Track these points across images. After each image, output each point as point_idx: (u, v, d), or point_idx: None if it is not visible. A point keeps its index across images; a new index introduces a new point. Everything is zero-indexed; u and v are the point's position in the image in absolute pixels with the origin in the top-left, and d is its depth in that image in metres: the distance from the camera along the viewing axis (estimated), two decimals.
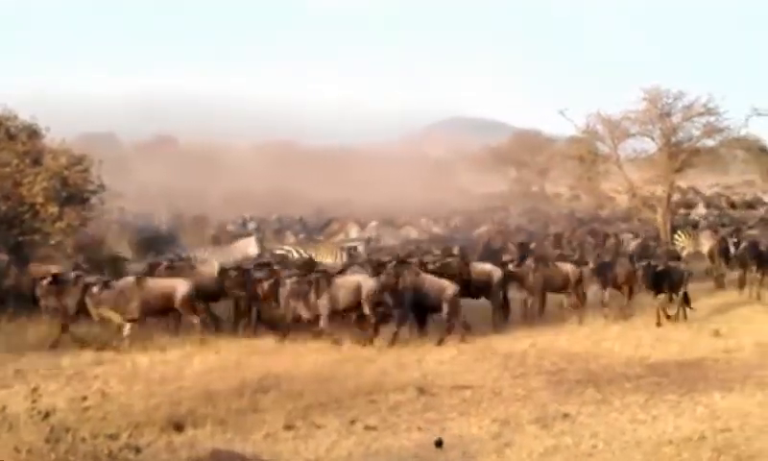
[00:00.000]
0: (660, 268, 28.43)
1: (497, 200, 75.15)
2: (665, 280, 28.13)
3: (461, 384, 20.12)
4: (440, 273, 27.04)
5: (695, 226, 44.24)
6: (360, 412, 17.88)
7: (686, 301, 28.44)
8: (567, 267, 28.57)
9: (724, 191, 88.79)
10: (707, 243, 36.40)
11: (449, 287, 25.74)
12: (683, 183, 61.04)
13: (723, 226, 44.77)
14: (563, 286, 28.52)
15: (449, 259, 28.87)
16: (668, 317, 27.61)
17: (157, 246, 39.10)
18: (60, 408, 14.74)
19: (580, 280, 28.46)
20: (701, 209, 61.18)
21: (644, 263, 28.84)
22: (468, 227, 48.77)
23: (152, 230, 43.71)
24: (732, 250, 33.47)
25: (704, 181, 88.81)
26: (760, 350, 23.59)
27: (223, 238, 41.69)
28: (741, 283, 32.31)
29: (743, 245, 32.21)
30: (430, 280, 26.29)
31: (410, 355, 23.20)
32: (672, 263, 30.51)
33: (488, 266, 28.01)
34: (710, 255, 35.24)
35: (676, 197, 49.81)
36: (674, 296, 28.49)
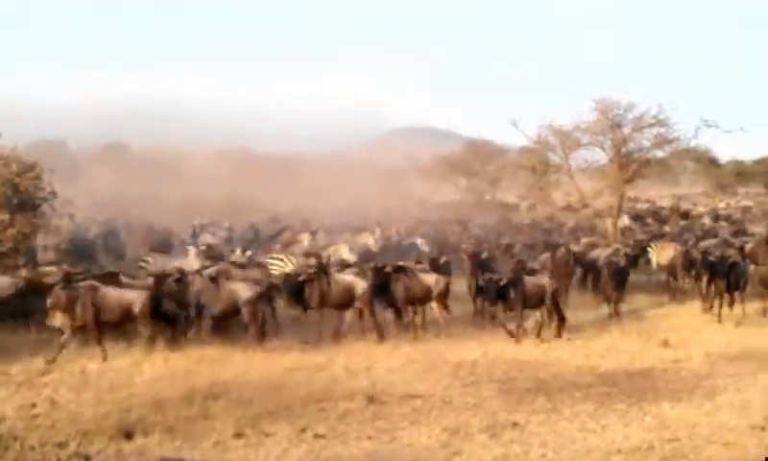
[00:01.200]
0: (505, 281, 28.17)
1: (450, 209, 75.04)
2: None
3: (411, 393, 20.10)
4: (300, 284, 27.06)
5: (661, 236, 44.49)
6: (310, 420, 17.85)
7: (557, 315, 28.02)
8: (430, 279, 28.24)
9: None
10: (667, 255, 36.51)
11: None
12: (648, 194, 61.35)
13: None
14: (424, 298, 28.18)
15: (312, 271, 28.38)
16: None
17: (88, 255, 38.82)
18: (9, 416, 14.70)
19: (445, 292, 28.19)
20: (625, 220, 61.46)
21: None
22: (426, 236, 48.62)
23: (81, 240, 43.16)
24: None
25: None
26: (709, 360, 23.77)
27: (172, 246, 41.43)
28: (702, 295, 32.35)
29: (708, 257, 32.23)
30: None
31: (360, 363, 23.15)
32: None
33: (348, 278, 27.73)
34: (671, 267, 35.35)
35: (644, 206, 50.11)
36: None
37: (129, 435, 16.20)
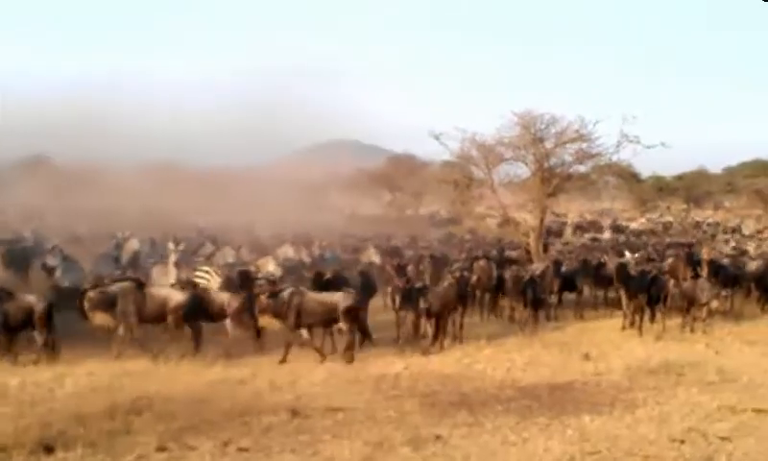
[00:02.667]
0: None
1: (374, 223, 74.97)
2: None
3: (334, 406, 20.08)
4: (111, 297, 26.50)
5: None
6: (233, 434, 17.77)
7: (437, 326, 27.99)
8: (224, 296, 27.99)
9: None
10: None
11: None
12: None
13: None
14: (219, 314, 27.87)
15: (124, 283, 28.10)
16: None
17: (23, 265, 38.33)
18: None
19: (240, 309, 27.47)
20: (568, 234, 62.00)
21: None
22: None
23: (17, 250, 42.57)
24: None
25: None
26: (629, 373, 23.98)
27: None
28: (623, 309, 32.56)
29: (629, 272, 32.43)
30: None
31: (284, 377, 23.12)
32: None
33: (164, 291, 27.49)
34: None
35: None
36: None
37: (49, 449, 16.05)
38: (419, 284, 28.96)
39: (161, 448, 16.56)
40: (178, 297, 26.58)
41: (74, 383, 21.77)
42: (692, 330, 30.25)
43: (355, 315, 26.25)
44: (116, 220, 58.17)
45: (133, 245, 43.50)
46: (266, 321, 26.65)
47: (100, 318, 26.44)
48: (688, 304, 30.80)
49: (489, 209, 51.10)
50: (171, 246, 33.90)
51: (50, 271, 34.11)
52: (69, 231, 50.99)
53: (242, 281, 29.81)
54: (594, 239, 61.57)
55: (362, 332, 26.64)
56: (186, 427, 18.07)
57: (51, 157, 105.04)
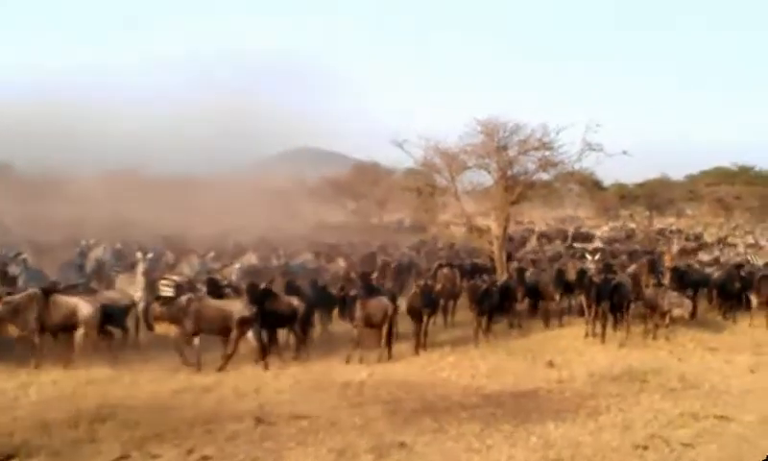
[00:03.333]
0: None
1: (344, 231, 74.81)
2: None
3: (298, 414, 20.09)
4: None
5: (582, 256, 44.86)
6: (197, 442, 17.75)
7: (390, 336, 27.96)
8: (237, 306, 27.77)
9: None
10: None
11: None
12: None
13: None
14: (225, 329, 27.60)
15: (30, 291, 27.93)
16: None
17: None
18: None
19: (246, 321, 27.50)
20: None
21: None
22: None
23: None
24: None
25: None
26: (593, 380, 24.09)
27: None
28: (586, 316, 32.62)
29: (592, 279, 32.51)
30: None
31: (248, 385, 23.10)
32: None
33: (73, 300, 27.16)
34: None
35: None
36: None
37: (11, 459, 15.95)
38: (352, 293, 28.92)
39: (125, 457, 16.57)
40: (87, 307, 26.19)
41: (38, 392, 21.69)
42: (655, 337, 30.38)
43: (248, 326, 26.04)
44: (81, 228, 57.75)
45: (98, 253, 43.22)
46: (163, 327, 26.68)
47: (4, 327, 26.48)
48: (652, 312, 30.93)
49: (455, 217, 51.10)
50: (139, 255, 33.67)
51: (12, 279, 33.78)
52: (32, 240, 50.64)
53: (210, 289, 29.67)
54: (570, 247, 61.77)
55: (256, 340, 26.40)
56: (150, 435, 18.04)
57: (12, 165, 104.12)
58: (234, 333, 25.84)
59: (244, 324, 25.91)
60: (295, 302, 27.72)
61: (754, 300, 33.54)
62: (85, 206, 75.83)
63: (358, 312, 27.38)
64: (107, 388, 22.16)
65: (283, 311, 27.49)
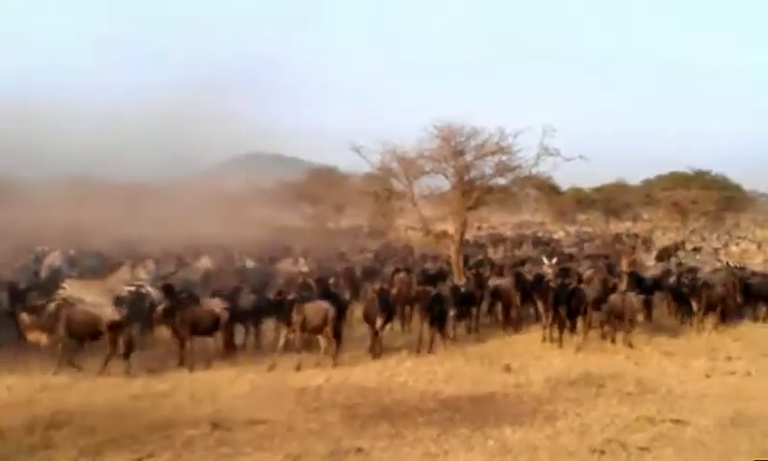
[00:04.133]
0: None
1: (296, 235, 74.59)
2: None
3: (255, 419, 20.06)
4: None
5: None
6: (154, 448, 17.70)
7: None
8: (107, 311, 27.60)
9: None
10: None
11: None
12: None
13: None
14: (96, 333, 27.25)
15: None
16: None
17: None
18: None
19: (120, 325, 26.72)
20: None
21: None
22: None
23: None
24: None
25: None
26: (549, 385, 24.12)
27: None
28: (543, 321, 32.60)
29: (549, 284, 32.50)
30: None
31: (204, 390, 23.03)
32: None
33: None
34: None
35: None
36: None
37: None
38: (291, 296, 28.83)
39: None
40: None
41: None
42: (613, 341, 30.47)
43: (119, 330, 25.75)
44: (34, 235, 57.30)
45: (52, 259, 42.90)
46: (34, 336, 26.42)
47: None
48: (618, 318, 30.94)
49: (413, 222, 51.09)
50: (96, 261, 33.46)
51: None
52: None
53: (166, 294, 29.52)
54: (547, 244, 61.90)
55: (125, 345, 26.10)
56: (107, 441, 17.98)
57: None
58: (107, 337, 25.65)
59: (113, 328, 25.66)
60: (217, 308, 27.54)
61: (695, 305, 33.60)
62: (37, 212, 75.17)
63: (295, 317, 27.29)
64: (63, 394, 22.08)
65: (202, 317, 27.43)
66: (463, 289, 32.94)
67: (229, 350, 27.95)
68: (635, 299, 31.12)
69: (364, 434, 18.94)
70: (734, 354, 28.71)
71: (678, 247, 62.79)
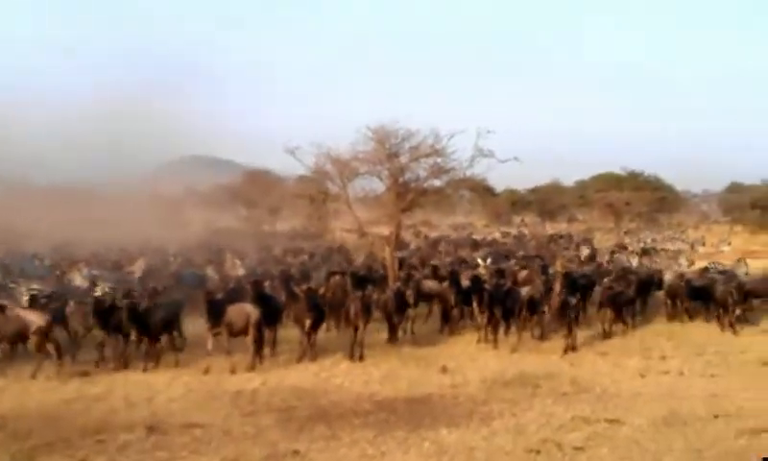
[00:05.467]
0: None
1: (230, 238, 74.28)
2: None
3: (191, 422, 20.04)
4: None
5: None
6: (88, 452, 17.61)
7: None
8: (32, 316, 27.49)
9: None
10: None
11: None
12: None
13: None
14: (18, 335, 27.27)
15: None
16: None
17: None
18: None
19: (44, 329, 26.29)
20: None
21: None
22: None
23: None
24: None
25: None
26: (485, 386, 24.19)
27: None
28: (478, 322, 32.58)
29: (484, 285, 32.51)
30: None
31: (140, 394, 22.96)
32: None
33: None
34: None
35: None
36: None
37: None
38: (217, 298, 28.79)
39: None
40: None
41: None
42: (543, 338, 30.65)
43: (45, 335, 25.77)
44: None
45: None
46: None
47: None
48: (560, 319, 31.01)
49: (349, 224, 50.98)
50: (37, 263, 33.22)
51: None
52: None
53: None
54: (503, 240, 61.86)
55: (55, 349, 26.01)
56: (40, 446, 17.89)
57: None
58: (35, 341, 25.67)
59: (40, 333, 25.60)
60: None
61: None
62: None
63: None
64: None
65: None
66: (400, 291, 32.82)
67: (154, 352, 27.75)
68: (572, 300, 31.13)
69: (300, 437, 18.94)
70: (668, 354, 28.96)
71: (621, 247, 63.08)
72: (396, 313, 31.41)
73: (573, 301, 30.35)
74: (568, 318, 29.89)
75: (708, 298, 34.67)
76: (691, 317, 35.28)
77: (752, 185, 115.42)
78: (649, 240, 75.08)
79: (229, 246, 57.13)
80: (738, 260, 45.03)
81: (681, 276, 37.42)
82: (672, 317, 35.37)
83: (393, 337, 30.98)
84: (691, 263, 49.52)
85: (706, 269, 42.15)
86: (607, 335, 31.82)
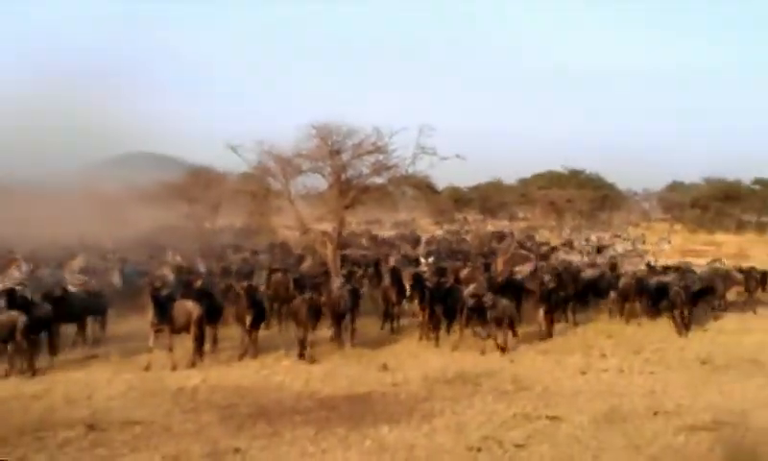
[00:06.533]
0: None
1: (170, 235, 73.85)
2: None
3: (131, 420, 19.98)
4: None
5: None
6: (27, 450, 17.50)
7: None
8: None
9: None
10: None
11: None
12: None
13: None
14: None
15: None
16: None
17: None
18: None
19: None
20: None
21: None
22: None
23: None
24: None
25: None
26: (426, 383, 24.24)
27: None
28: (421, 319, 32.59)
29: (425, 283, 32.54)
30: None
31: (80, 392, 22.82)
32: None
33: None
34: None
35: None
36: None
37: None
38: (156, 295, 28.75)
39: None
40: None
41: None
42: (488, 336, 30.77)
43: None
44: None
45: None
46: None
47: None
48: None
49: (292, 221, 50.89)
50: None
51: None
52: None
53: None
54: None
55: None
56: None
57: None
58: None
59: None
60: (13, 314, 27.05)
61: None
62: None
63: (160, 316, 27.05)
64: None
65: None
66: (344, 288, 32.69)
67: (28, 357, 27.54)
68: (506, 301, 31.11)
69: (241, 434, 18.92)
70: (608, 352, 29.17)
71: (566, 246, 63.25)
72: (349, 313, 31.22)
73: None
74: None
75: (661, 298, 34.99)
76: (635, 316, 35.45)
77: (692, 184, 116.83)
78: (594, 238, 75.27)
79: (170, 243, 56.83)
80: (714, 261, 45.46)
81: (634, 275, 37.53)
82: (628, 317, 35.40)
83: (338, 338, 30.78)
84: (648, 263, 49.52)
85: (652, 268, 42.37)
86: (546, 335, 31.81)
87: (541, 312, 32.33)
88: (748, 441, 18.85)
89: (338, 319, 30.56)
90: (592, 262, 46.42)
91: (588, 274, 38.79)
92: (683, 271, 40.04)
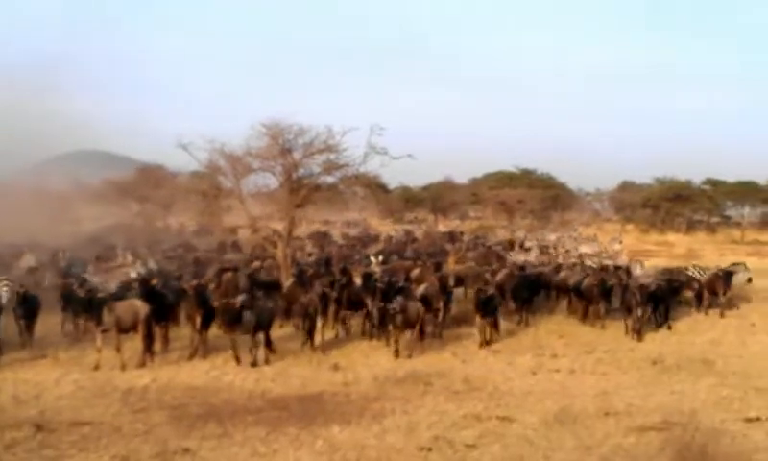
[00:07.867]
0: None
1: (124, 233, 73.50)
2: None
3: (80, 420, 19.87)
4: None
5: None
6: None
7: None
8: None
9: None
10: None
11: None
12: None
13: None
14: None
15: None
16: None
17: None
18: None
19: None
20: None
21: None
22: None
23: None
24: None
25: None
26: (377, 383, 24.24)
27: None
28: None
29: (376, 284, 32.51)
30: None
31: (28, 391, 22.69)
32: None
33: None
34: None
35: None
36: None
37: None
38: (101, 295, 28.62)
39: None
40: None
41: None
42: (439, 336, 30.81)
43: None
44: None
45: None
46: None
47: None
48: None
49: (243, 220, 50.74)
50: None
51: None
52: None
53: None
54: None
55: None
56: None
57: None
58: None
59: None
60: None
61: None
62: None
63: (106, 316, 26.85)
64: None
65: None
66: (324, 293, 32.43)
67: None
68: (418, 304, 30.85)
69: (191, 434, 18.82)
70: (559, 352, 29.28)
71: (513, 244, 63.33)
72: (321, 315, 30.91)
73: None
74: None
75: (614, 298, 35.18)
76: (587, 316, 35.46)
77: (643, 185, 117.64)
78: (553, 237, 75.34)
79: (120, 242, 56.56)
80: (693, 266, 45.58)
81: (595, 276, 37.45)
82: (586, 318, 35.31)
83: (311, 341, 30.38)
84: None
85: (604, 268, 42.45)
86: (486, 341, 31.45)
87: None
88: (697, 441, 18.96)
89: (313, 322, 30.22)
90: (557, 266, 45.58)
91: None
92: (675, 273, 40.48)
